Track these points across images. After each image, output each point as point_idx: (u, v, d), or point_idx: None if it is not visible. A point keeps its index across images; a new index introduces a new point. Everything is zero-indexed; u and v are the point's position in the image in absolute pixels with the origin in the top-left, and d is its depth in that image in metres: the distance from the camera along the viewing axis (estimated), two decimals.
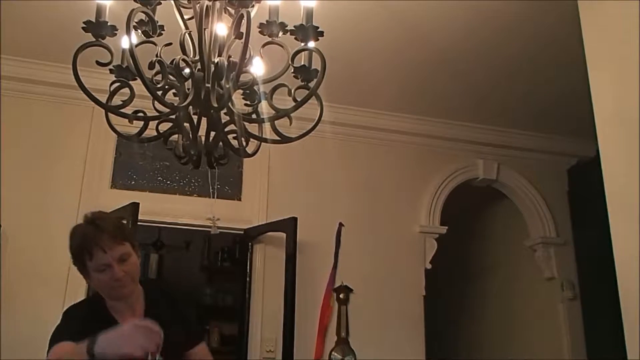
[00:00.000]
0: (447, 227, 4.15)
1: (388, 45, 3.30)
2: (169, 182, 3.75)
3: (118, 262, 1.64)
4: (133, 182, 3.70)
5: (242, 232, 3.80)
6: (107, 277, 1.64)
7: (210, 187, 3.60)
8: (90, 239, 1.63)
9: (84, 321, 1.64)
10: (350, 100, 3.93)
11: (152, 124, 1.68)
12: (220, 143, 1.64)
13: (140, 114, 1.62)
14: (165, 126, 1.68)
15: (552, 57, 3.39)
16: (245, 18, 1.44)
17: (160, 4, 1.61)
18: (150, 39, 1.60)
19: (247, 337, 3.63)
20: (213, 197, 3.59)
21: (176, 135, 1.69)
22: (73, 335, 1.52)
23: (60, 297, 3.20)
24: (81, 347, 1.43)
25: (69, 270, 3.33)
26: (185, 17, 1.70)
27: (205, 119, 1.57)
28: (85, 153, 3.60)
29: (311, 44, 1.52)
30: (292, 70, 1.55)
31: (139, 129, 1.67)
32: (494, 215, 5.06)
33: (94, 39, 1.52)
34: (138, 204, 3.24)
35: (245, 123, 1.62)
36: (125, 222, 3.28)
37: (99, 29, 1.52)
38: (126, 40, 1.46)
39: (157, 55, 1.52)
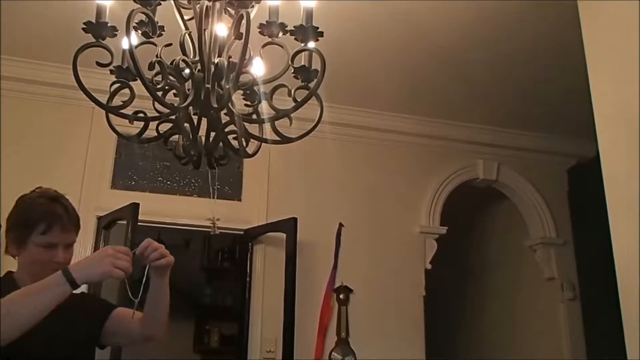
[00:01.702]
0: (447, 227, 4.15)
1: (388, 45, 3.30)
2: (169, 182, 3.75)
3: (64, 247, 1.64)
4: (133, 183, 3.70)
5: (242, 233, 3.80)
6: (47, 257, 1.60)
7: (211, 188, 3.60)
8: (56, 216, 1.62)
9: None
10: (350, 100, 3.93)
11: (153, 125, 1.68)
12: (221, 143, 1.64)
13: (141, 115, 1.62)
14: (165, 127, 1.68)
15: (552, 57, 3.39)
16: (245, 18, 1.44)
17: (160, 4, 1.61)
18: (150, 40, 1.61)
19: (247, 337, 3.63)
20: (213, 198, 3.59)
21: (176, 136, 1.69)
22: None
23: None
24: (53, 277, 1.40)
25: None
26: (185, 17, 1.70)
27: (205, 119, 1.57)
28: (85, 153, 3.60)
29: (311, 44, 1.52)
30: (292, 71, 1.55)
31: (139, 129, 1.67)
32: (494, 215, 5.06)
33: (94, 40, 1.52)
34: (138, 204, 3.24)
35: (246, 123, 1.62)
36: (125, 222, 3.30)
37: (99, 29, 1.52)
38: (126, 41, 1.46)
39: (157, 56, 1.52)
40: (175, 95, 1.62)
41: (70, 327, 1.65)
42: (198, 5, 1.56)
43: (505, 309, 4.79)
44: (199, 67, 1.50)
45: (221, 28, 1.59)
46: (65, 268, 1.41)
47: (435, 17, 3.03)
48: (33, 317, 1.37)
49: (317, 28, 1.51)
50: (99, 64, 1.53)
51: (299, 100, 1.53)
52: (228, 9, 1.66)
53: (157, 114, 1.64)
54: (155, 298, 1.73)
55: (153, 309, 1.74)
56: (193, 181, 3.78)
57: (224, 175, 3.78)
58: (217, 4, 1.61)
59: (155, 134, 1.69)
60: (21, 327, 1.37)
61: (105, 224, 3.40)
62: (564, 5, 2.78)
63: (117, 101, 1.61)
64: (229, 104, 1.54)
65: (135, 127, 1.67)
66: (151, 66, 1.53)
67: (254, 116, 1.65)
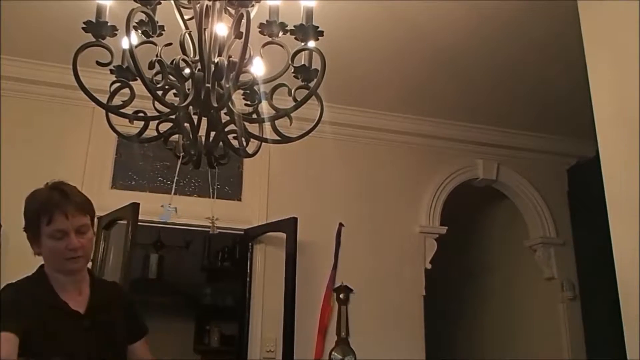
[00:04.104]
0: (447, 227, 4.15)
1: (388, 45, 3.30)
2: (169, 182, 3.75)
3: (76, 233, 1.62)
4: (133, 183, 3.70)
5: (242, 232, 3.80)
6: (62, 246, 1.59)
7: (210, 187, 3.59)
8: (54, 203, 1.61)
9: (26, 301, 1.58)
10: (350, 100, 3.94)
11: (153, 124, 1.68)
12: (221, 143, 1.64)
13: (141, 114, 1.62)
14: (165, 126, 1.68)
15: (552, 57, 3.39)
16: (245, 18, 1.44)
17: (160, 4, 1.61)
18: (150, 39, 1.60)
19: (247, 337, 3.63)
20: (213, 197, 3.59)
21: (176, 136, 1.69)
22: (18, 316, 1.51)
23: None
24: None
25: None
26: (185, 17, 1.70)
27: (206, 119, 1.57)
28: (85, 153, 3.60)
29: (311, 44, 1.52)
30: (292, 70, 1.55)
31: (139, 129, 1.68)
32: (494, 215, 5.06)
33: (94, 39, 1.52)
34: (138, 204, 3.24)
35: (246, 123, 1.62)
36: (125, 222, 3.30)
37: (99, 29, 1.52)
38: (126, 41, 1.46)
39: (157, 56, 1.52)
40: (175, 94, 1.62)
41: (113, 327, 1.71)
42: (198, 5, 1.56)
43: (505, 309, 4.79)
44: (199, 66, 1.50)
45: (221, 27, 1.59)
46: None
47: (435, 17, 3.03)
48: None
49: (318, 27, 1.51)
50: (99, 64, 1.53)
51: (299, 99, 1.53)
52: (228, 8, 1.66)
53: (157, 114, 1.64)
54: None
55: None
56: (193, 181, 3.78)
57: (224, 175, 3.78)
58: (217, 4, 1.61)
59: (156, 134, 1.70)
60: None
61: (106, 224, 3.40)
62: (564, 5, 2.78)
63: (117, 101, 1.61)
64: (229, 104, 1.54)
65: (136, 127, 1.67)
66: (151, 66, 1.53)
67: (254, 116, 1.65)
